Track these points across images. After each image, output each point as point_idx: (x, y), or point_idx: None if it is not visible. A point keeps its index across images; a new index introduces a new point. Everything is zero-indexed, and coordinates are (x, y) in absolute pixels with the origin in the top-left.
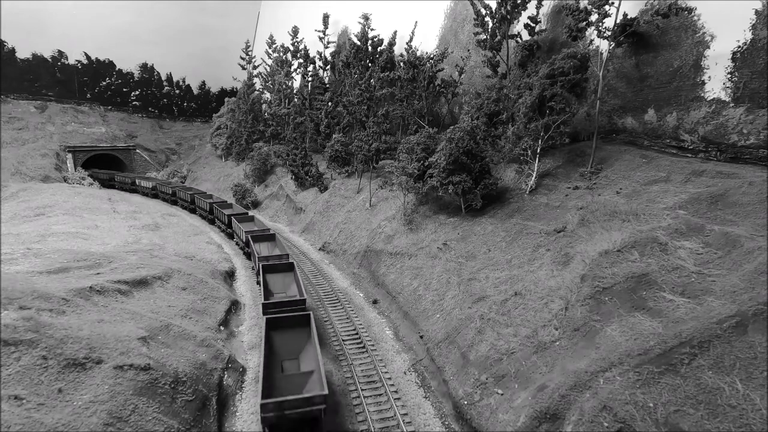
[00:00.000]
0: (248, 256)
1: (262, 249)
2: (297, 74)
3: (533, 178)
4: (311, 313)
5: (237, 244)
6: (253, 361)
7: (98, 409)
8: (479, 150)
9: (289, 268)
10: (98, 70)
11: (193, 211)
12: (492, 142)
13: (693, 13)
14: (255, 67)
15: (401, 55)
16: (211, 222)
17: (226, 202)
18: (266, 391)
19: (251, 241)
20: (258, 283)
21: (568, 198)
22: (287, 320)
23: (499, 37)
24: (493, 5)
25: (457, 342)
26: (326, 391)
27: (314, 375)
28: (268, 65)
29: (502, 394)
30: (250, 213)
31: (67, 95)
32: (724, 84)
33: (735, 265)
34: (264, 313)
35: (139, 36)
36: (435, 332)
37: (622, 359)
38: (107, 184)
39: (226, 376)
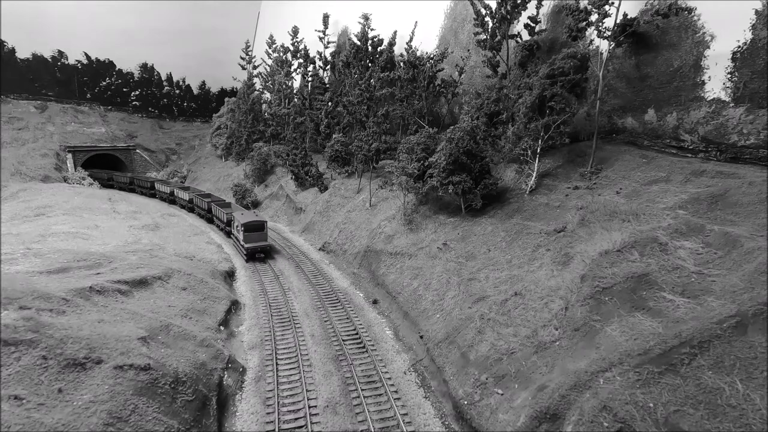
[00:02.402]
0: (228, 234)
1: (242, 218)
2: (297, 74)
3: (533, 178)
4: (266, 223)
5: (218, 226)
6: (253, 362)
7: (98, 409)
8: (479, 150)
9: (263, 226)
10: (98, 70)
11: (173, 202)
12: (492, 142)
13: (693, 13)
14: (255, 67)
15: (401, 55)
16: (191, 210)
17: (204, 191)
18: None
19: (233, 219)
20: (241, 243)
21: (568, 198)
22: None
23: (499, 37)
24: (493, 5)
25: (457, 342)
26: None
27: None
28: (268, 65)
29: (502, 394)
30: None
31: (67, 95)
32: (724, 84)
33: (735, 265)
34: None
35: (139, 36)
36: (435, 332)
37: (622, 359)
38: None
39: (226, 376)
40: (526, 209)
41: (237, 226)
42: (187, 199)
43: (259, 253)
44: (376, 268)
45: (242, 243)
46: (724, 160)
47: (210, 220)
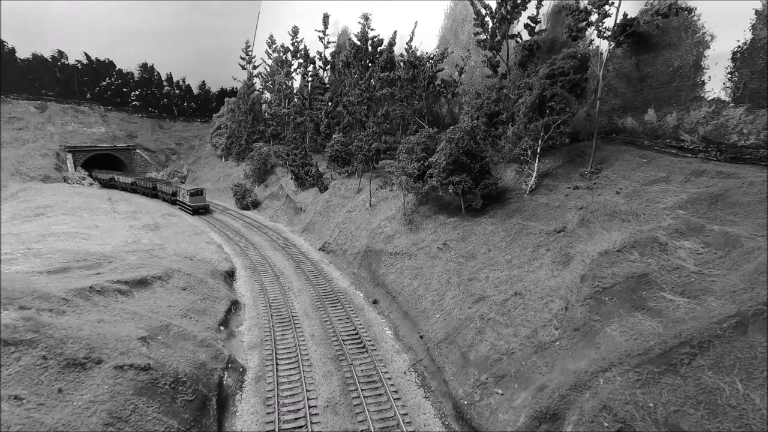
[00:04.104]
0: (173, 202)
1: (187, 188)
2: (297, 74)
3: (533, 178)
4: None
5: (163, 198)
6: (253, 361)
7: (98, 409)
8: (479, 150)
9: (201, 192)
10: (98, 70)
11: (113, 186)
12: (492, 142)
13: (693, 13)
14: (255, 67)
15: (401, 55)
16: (134, 191)
17: (150, 177)
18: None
19: (179, 190)
20: (187, 204)
21: (568, 198)
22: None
23: (499, 37)
24: (493, 5)
25: (457, 342)
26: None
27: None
28: (268, 65)
29: (502, 394)
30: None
31: (67, 95)
32: (724, 84)
33: (735, 265)
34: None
35: (139, 36)
36: (435, 332)
37: (622, 359)
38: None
39: (226, 376)
40: (526, 209)
41: (183, 194)
42: (129, 182)
43: (201, 209)
44: (376, 268)
45: (189, 204)
46: (724, 160)
47: (155, 196)
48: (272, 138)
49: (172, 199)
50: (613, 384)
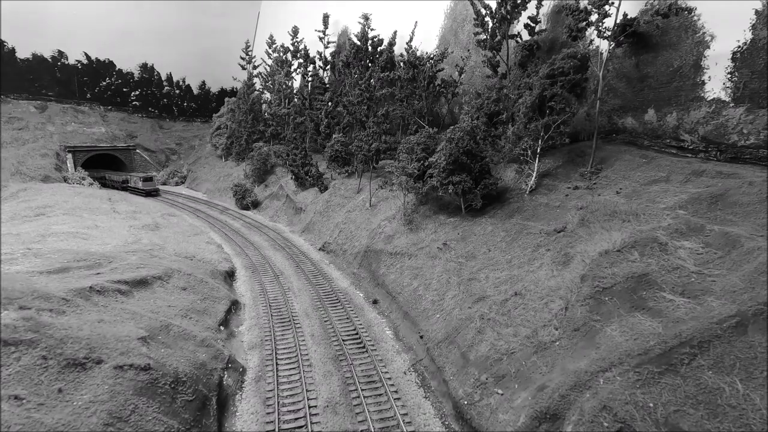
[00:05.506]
0: (125, 189)
1: (139, 175)
2: (297, 74)
3: (533, 178)
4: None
5: (112, 186)
6: (253, 361)
7: (98, 409)
8: (479, 150)
9: (151, 178)
10: (98, 70)
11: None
12: (492, 142)
13: (693, 13)
14: (255, 67)
15: (401, 55)
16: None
17: (105, 171)
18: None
19: (130, 178)
20: (140, 189)
21: (568, 198)
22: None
23: (499, 37)
24: (493, 5)
25: (457, 342)
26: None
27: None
28: (268, 65)
29: (502, 394)
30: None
31: (67, 95)
32: (724, 84)
33: (735, 265)
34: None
35: (139, 36)
36: (435, 332)
37: (622, 359)
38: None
39: (226, 376)
40: (526, 209)
41: (135, 180)
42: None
43: (152, 192)
44: (376, 268)
45: (142, 188)
46: (724, 160)
47: (104, 185)
48: (272, 138)
49: (123, 186)
50: (613, 384)
